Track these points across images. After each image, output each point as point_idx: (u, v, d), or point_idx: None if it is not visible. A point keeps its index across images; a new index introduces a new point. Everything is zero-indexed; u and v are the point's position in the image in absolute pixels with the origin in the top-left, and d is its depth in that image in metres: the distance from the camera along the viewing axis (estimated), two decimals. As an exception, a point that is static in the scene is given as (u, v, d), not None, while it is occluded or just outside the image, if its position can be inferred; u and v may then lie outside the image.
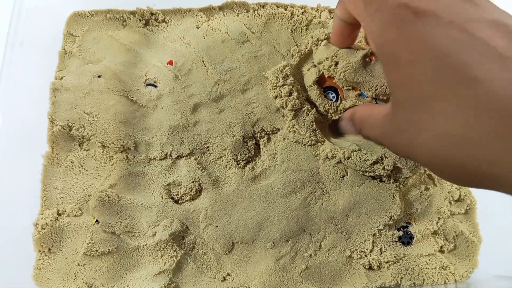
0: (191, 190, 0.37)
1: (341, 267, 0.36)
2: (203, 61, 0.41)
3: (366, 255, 0.36)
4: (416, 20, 0.22)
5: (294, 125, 0.38)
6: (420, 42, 0.22)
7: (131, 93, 0.40)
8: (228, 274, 0.36)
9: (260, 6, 0.44)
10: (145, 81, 0.41)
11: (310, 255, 0.36)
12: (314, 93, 0.38)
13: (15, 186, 0.37)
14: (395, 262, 0.36)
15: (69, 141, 0.39)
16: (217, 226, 0.37)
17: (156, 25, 0.44)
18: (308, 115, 0.37)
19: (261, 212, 0.37)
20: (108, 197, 0.37)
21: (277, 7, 0.44)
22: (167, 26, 0.44)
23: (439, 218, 0.38)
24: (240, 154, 0.38)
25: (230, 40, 0.42)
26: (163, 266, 0.35)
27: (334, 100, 0.38)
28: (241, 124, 0.39)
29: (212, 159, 0.39)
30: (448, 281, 0.36)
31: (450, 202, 0.38)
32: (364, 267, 0.36)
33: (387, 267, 0.36)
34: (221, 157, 0.39)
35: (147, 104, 0.40)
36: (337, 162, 0.38)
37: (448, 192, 0.39)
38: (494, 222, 0.37)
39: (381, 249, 0.37)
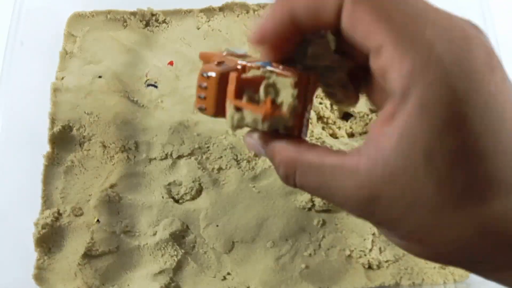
0: (191, 190, 0.38)
1: (341, 266, 0.36)
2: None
3: (365, 254, 0.37)
4: None
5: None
6: None
7: (132, 94, 0.40)
8: (228, 273, 0.36)
9: (260, 7, 0.44)
10: (145, 82, 0.41)
11: (310, 254, 0.36)
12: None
13: (15, 186, 0.37)
14: (394, 262, 0.37)
15: (69, 141, 0.39)
16: (217, 226, 0.37)
17: (157, 26, 0.44)
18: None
19: (261, 212, 0.37)
20: (109, 197, 0.37)
21: (277, 8, 0.44)
22: (168, 26, 0.44)
23: (438, 218, 0.38)
24: (240, 154, 0.39)
25: (231, 41, 0.42)
26: (164, 266, 0.36)
27: None
28: (241, 124, 0.39)
29: (213, 159, 0.39)
30: (448, 280, 0.36)
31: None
32: (364, 267, 0.37)
33: (387, 267, 0.37)
34: (221, 157, 0.39)
35: (148, 104, 0.40)
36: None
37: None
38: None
39: (380, 248, 0.37)
